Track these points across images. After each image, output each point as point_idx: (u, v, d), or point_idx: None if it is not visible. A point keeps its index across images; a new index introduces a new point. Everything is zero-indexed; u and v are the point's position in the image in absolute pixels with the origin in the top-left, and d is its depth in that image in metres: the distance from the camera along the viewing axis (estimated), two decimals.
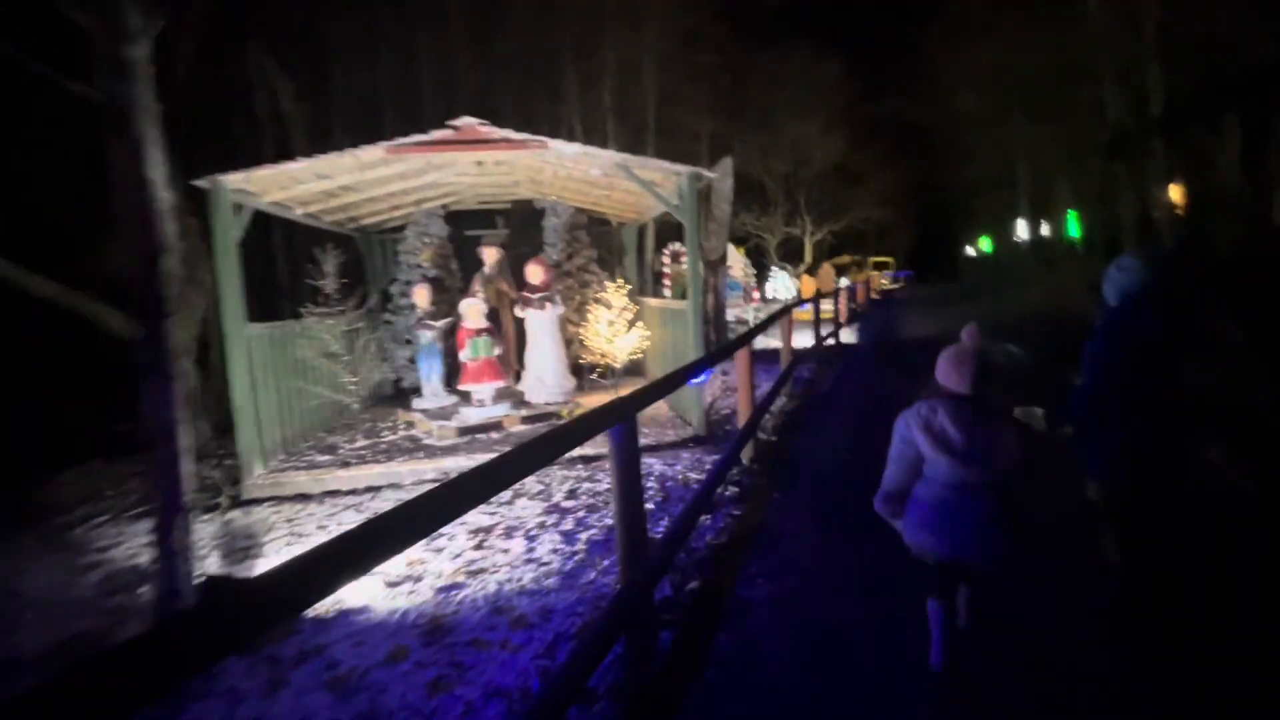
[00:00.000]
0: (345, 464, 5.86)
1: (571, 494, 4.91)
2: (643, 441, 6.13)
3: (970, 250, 37.40)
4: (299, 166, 5.48)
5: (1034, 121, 16.33)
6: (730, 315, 17.94)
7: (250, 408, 5.62)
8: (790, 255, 35.52)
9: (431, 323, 7.24)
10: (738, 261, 22.80)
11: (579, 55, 21.71)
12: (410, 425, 7.08)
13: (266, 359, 5.93)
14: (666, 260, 16.44)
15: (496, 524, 4.40)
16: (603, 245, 10.64)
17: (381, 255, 9.51)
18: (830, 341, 11.87)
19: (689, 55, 25.15)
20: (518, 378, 7.68)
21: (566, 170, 6.90)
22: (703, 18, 24.49)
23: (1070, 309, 10.36)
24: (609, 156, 5.80)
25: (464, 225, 9.90)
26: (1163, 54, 9.84)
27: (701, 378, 4.60)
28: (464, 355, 6.71)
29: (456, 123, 5.56)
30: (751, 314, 17.25)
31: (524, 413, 6.97)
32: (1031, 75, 15.95)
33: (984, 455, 2.31)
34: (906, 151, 33.35)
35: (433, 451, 6.15)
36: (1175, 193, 12.56)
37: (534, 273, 7.28)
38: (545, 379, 7.29)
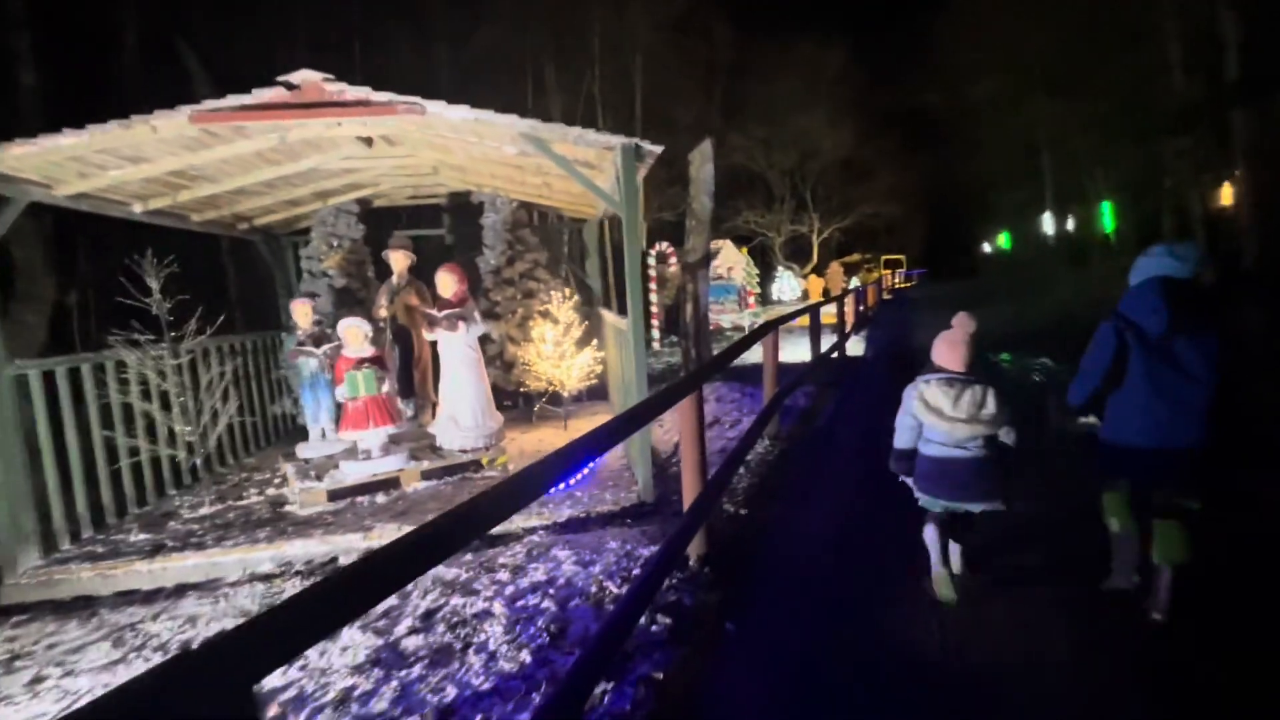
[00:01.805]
0: (155, 551, 4.30)
1: (428, 617, 3.31)
2: (565, 512, 4.52)
3: (987, 247, 35.46)
4: (72, 141, 3.92)
5: (1061, 100, 14.50)
6: (726, 322, 16.33)
7: (15, 474, 4.07)
8: (797, 254, 33.76)
9: (311, 349, 5.67)
10: (739, 262, 21.19)
11: (564, 44, 20.17)
12: (286, 481, 5.53)
13: (50, 404, 4.37)
14: (653, 262, 14.83)
15: (275, 688, 2.80)
16: (557, 246, 9.06)
17: (296, 263, 7.97)
18: (834, 355, 10.20)
19: (684, 42, 23.54)
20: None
21: (482, 150, 5.31)
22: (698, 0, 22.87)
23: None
24: (509, 125, 4.20)
25: (391, 225, 8.33)
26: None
27: (582, 471, 3.02)
28: (340, 393, 5.13)
29: (293, 78, 3.99)
30: (749, 320, 15.58)
31: (427, 465, 5.38)
32: (1059, 47, 14.13)
33: (970, 416, 2.86)
34: (918, 143, 31.58)
35: (283, 527, 4.58)
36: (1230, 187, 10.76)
37: (444, 283, 5.69)
38: (460, 419, 5.69)
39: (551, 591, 3.41)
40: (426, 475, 5.34)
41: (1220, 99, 8.43)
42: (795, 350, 11.36)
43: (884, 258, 34.38)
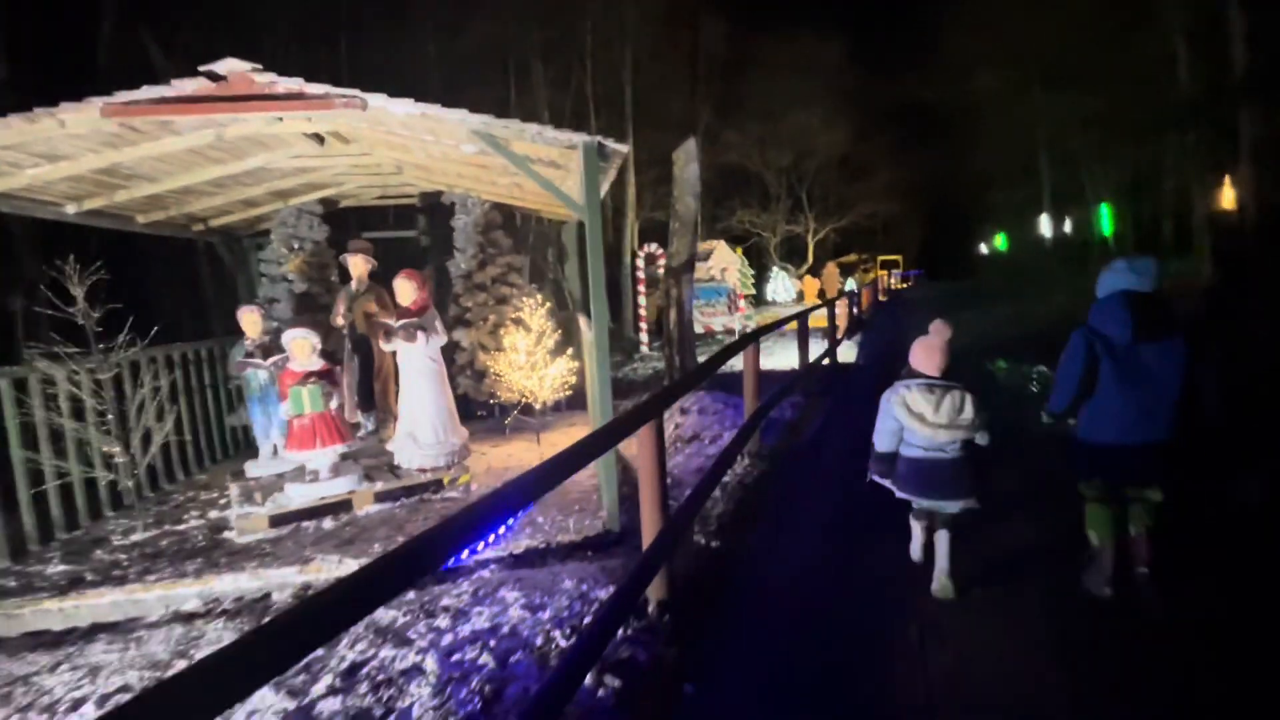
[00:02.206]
0: (71, 586, 3.92)
1: (352, 673, 2.95)
2: (523, 542, 4.16)
3: (984, 248, 35.15)
4: None
5: (1062, 95, 14.13)
6: (717, 325, 15.97)
7: None
8: (792, 255, 33.41)
9: (258, 360, 5.30)
10: (733, 263, 20.85)
11: (553, 40, 19.74)
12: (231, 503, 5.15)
13: None
14: (641, 264, 14.46)
15: None
16: (538, 249, 8.69)
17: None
18: (824, 361, 9.84)
19: (677, 37, 23.14)
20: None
21: (441, 149, 4.94)
22: None
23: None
24: (460, 120, 3.82)
25: (361, 227, 7.96)
26: None
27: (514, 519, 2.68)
28: (285, 410, 4.76)
29: (218, 68, 3.61)
30: (740, 324, 15.21)
31: (381, 486, 5.02)
32: (1061, 39, 13.75)
33: (950, 421, 2.98)
34: (916, 141, 31.27)
35: (217, 558, 4.21)
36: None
37: (403, 291, 5.32)
38: (419, 435, 5.33)
39: (493, 643, 3.05)
40: (381, 497, 4.98)
41: (1226, 93, 8.09)
42: (784, 356, 11.02)
43: (880, 258, 34.02)
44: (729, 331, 15.02)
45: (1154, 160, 14.55)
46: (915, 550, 3.46)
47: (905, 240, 38.56)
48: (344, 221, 7.72)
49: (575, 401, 7.11)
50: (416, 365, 5.34)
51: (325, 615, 1.27)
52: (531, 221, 8.33)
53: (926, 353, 3.14)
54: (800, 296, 26.88)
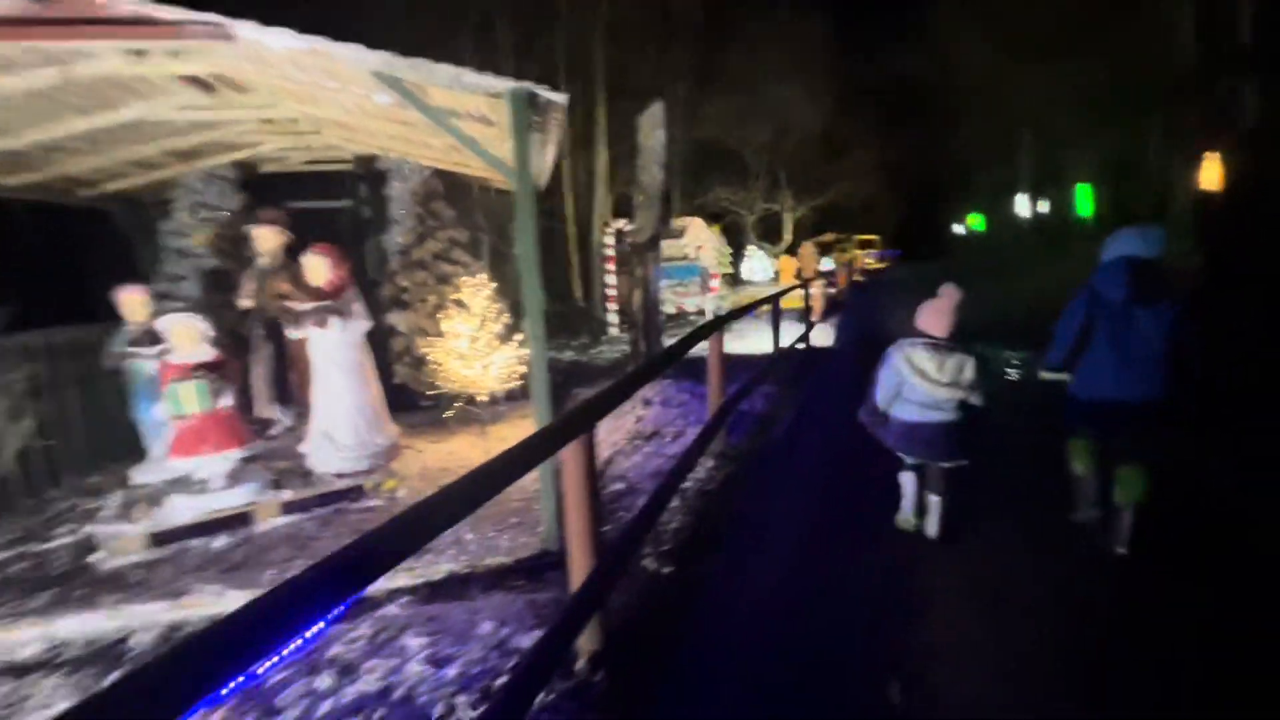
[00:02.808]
0: None
1: None
2: (445, 566, 3.54)
3: (961, 229, 34.95)
4: None
5: (1050, 69, 13.59)
6: (690, 305, 15.34)
7: None
8: (771, 233, 32.80)
9: (141, 349, 4.53)
10: (709, 240, 20.17)
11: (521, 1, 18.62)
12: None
13: None
14: (610, 241, 13.72)
15: None
16: (490, 222, 7.95)
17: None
18: (800, 346, 9.30)
19: (653, 1, 22.11)
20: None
21: (354, 100, 4.17)
22: None
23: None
24: (356, 60, 3.09)
25: (290, 196, 7.11)
26: None
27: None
28: (164, 410, 4.03)
29: None
30: (712, 306, 14.58)
31: (289, 495, 4.33)
32: (1048, 13, 13.19)
33: (952, 380, 3.18)
34: (896, 119, 30.70)
35: (75, 588, 3.51)
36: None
37: (314, 269, 4.58)
38: (336, 435, 4.63)
39: (380, 714, 2.43)
40: (290, 507, 4.30)
41: (1229, 64, 7.60)
42: (758, 339, 10.45)
43: (857, 237, 33.56)
44: (700, 313, 14.40)
45: (1137, 140, 14.15)
46: (906, 509, 3.55)
47: (883, 220, 38.14)
48: (270, 190, 6.87)
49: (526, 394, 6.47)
50: (332, 355, 4.63)
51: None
52: (479, 191, 7.56)
53: (935, 315, 3.31)
54: (777, 276, 26.37)
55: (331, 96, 4.21)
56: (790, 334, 9.18)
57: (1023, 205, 20.24)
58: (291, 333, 4.67)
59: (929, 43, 21.52)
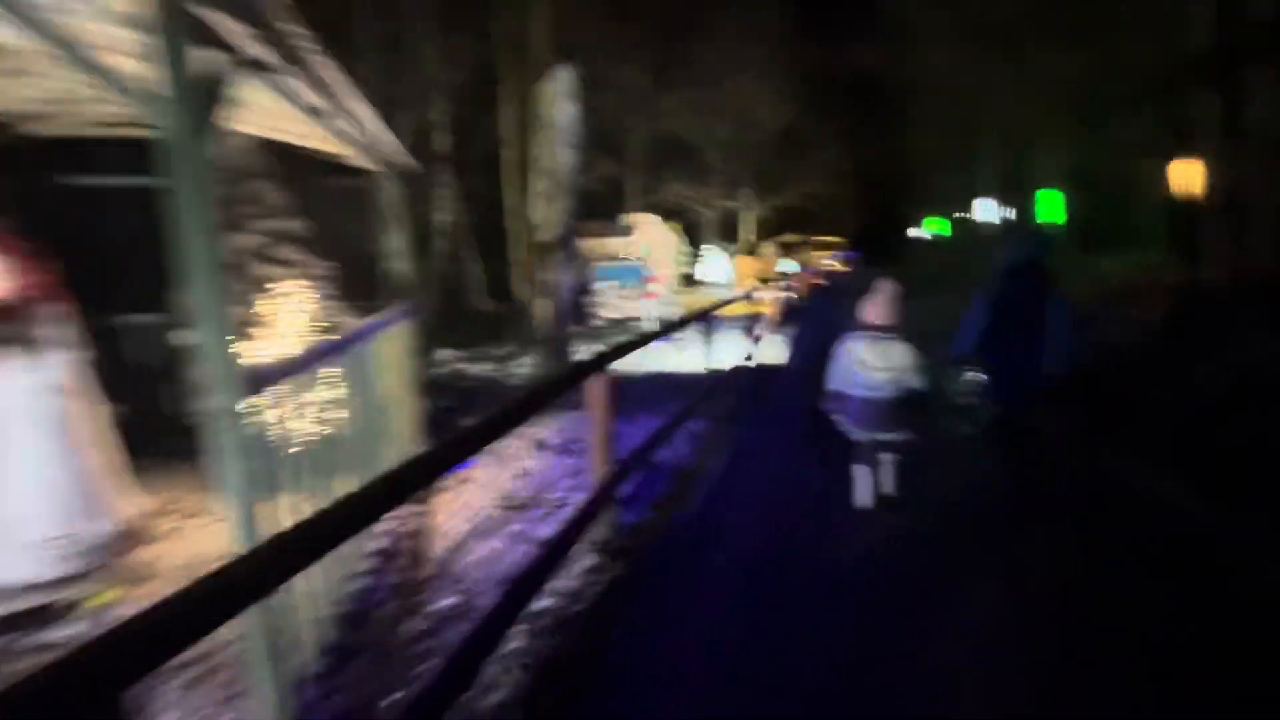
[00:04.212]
0: None
1: None
2: None
3: (925, 233, 34.37)
4: None
5: (1023, 64, 12.58)
6: (640, 311, 13.92)
7: None
8: (730, 233, 31.63)
9: None
10: (665, 241, 18.86)
11: None
12: None
13: None
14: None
15: None
16: (348, 214, 6.37)
17: None
18: (746, 363, 7.96)
19: None
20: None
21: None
22: None
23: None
24: None
25: (81, 168, 5.44)
26: None
27: None
28: None
29: None
30: (656, 311, 13.14)
31: None
32: (1021, 8, 12.15)
33: (887, 365, 3.71)
34: (860, 118, 29.93)
35: None
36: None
37: None
38: (23, 527, 3.05)
39: None
40: None
41: (1236, 52, 6.58)
42: (697, 352, 9.08)
43: (817, 239, 32.63)
44: (634, 319, 12.97)
45: (1106, 141, 13.32)
46: (862, 493, 3.90)
47: (845, 222, 37.43)
48: (47, 161, 5.17)
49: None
50: (14, 404, 3.04)
51: None
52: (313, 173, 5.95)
53: (874, 309, 3.88)
54: (734, 279, 25.18)
55: None
56: (736, 348, 7.84)
57: (988, 210, 19.40)
58: None
59: (895, 34, 20.52)
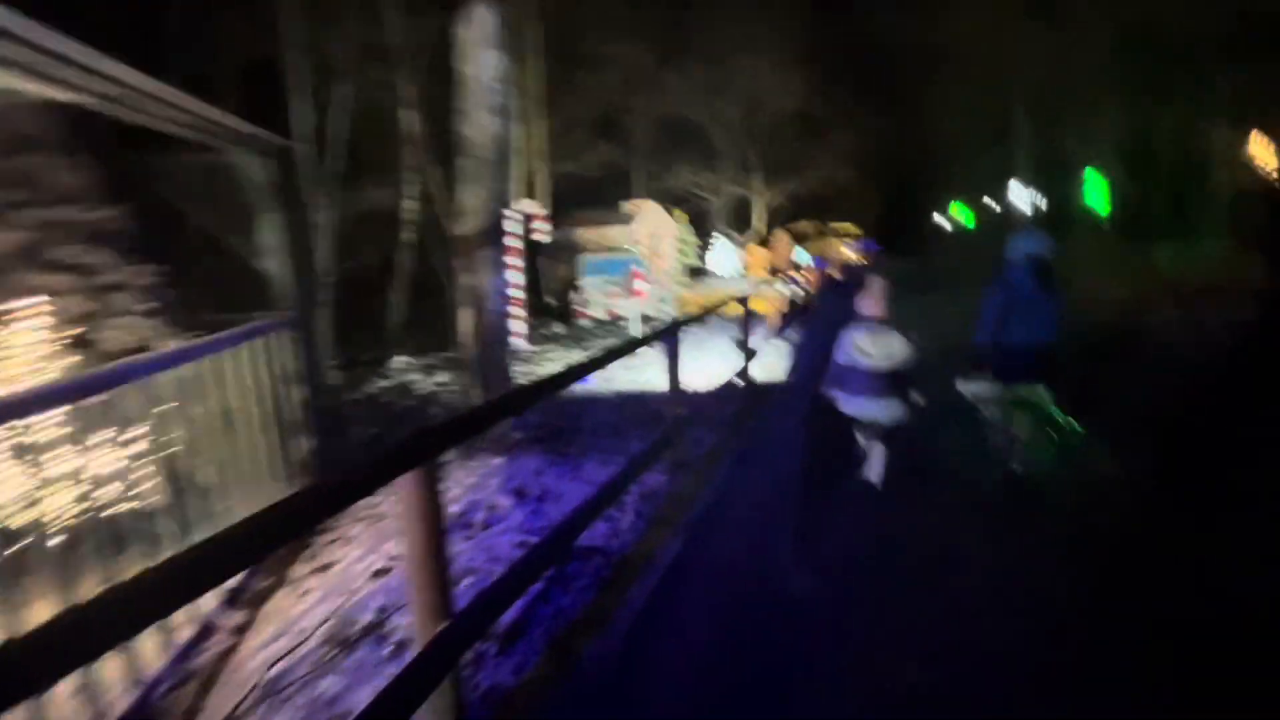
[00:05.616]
0: None
1: None
2: None
3: (945, 223, 32.48)
4: None
5: (1051, 34, 10.92)
6: (619, 310, 12.53)
7: None
8: (742, 221, 29.97)
9: None
10: (668, 229, 17.41)
11: None
12: None
13: None
14: (516, 230, 10.82)
15: None
16: (216, 202, 5.10)
17: None
18: (738, 381, 6.55)
19: None
20: None
21: None
22: None
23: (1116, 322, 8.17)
24: None
25: None
26: None
27: None
28: None
29: None
30: (637, 312, 11.66)
31: None
32: None
33: (886, 354, 3.84)
34: (879, 95, 28.06)
35: None
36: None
37: None
38: None
39: None
40: None
41: None
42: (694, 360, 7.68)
43: (836, 226, 30.80)
44: (614, 318, 11.57)
45: (1161, 113, 11.68)
46: (874, 470, 4.04)
47: (863, 210, 35.53)
48: None
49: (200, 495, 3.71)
50: None
51: None
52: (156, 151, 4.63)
53: (870, 302, 4.00)
54: (744, 270, 23.61)
55: None
56: (725, 359, 6.45)
57: (1019, 195, 17.65)
58: None
59: (919, 6, 18.78)
